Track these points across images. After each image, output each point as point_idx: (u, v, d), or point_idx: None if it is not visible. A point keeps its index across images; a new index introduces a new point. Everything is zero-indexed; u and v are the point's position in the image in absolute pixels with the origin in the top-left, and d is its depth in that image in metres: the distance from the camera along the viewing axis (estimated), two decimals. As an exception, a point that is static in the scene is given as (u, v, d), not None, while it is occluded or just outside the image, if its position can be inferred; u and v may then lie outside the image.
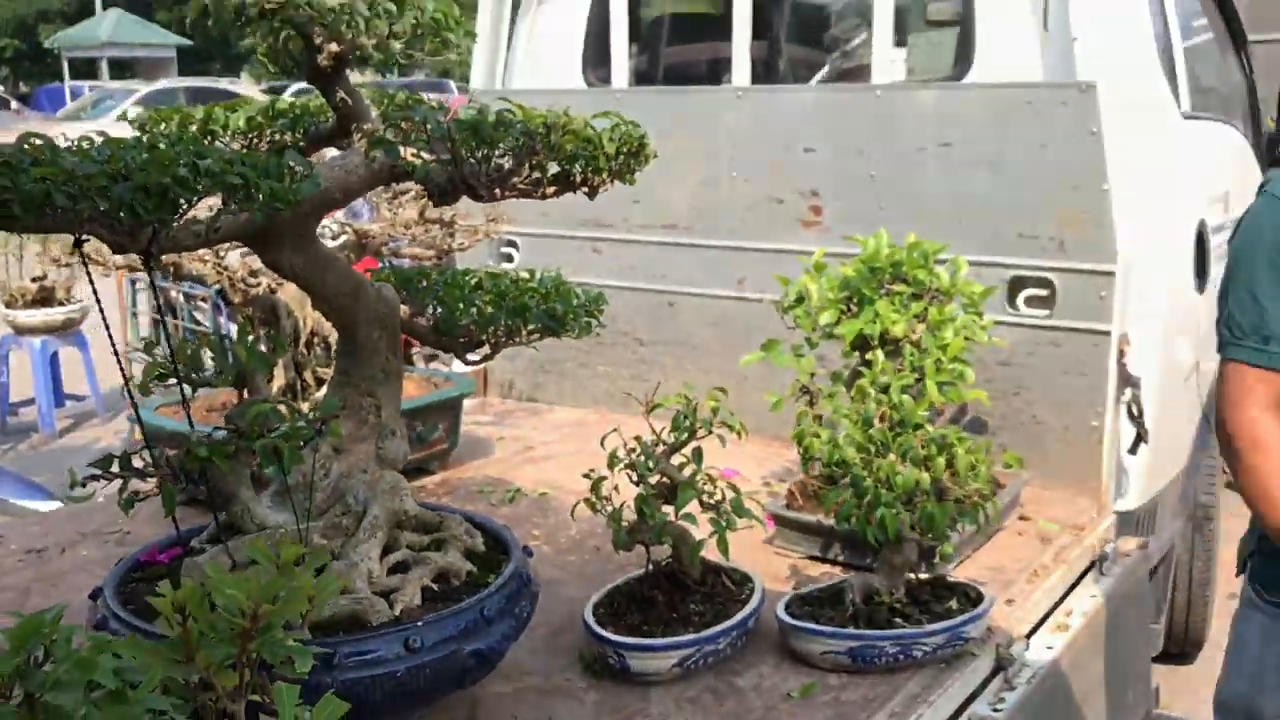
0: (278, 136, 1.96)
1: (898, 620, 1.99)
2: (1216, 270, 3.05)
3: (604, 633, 1.94)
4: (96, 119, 19.42)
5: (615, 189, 3.42)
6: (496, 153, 1.62)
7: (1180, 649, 3.70)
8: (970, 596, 2.11)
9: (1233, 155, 3.85)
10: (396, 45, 1.74)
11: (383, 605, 1.68)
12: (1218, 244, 3.25)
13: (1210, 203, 3.38)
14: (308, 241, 1.75)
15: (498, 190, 1.63)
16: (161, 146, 1.41)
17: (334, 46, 1.67)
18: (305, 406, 2.70)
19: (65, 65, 28.48)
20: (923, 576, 2.13)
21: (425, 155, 1.69)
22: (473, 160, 1.62)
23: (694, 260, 3.40)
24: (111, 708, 0.99)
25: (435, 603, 1.75)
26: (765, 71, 3.65)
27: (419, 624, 1.65)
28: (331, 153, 1.90)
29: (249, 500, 1.77)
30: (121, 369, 1.59)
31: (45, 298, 6.42)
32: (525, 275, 2.09)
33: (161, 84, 21.85)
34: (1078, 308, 2.82)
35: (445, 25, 1.77)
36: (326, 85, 1.77)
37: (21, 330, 6.40)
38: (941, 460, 2.00)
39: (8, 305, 6.32)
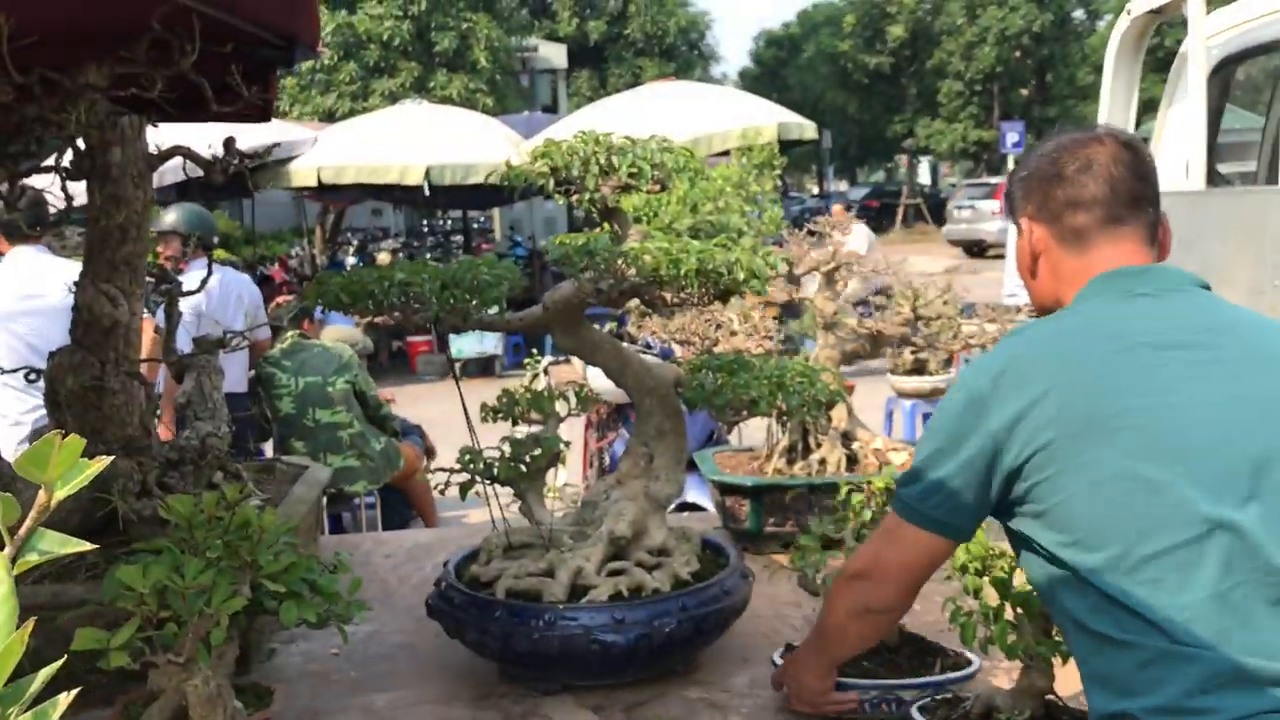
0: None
1: None
2: None
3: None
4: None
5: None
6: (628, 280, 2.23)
7: None
8: None
9: None
10: (651, 189, 2.44)
11: (557, 590, 2.35)
12: None
13: None
14: (575, 329, 2.51)
15: (623, 300, 2.23)
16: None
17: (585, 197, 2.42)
18: (798, 465, 3.39)
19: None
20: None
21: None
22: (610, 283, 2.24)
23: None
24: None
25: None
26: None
27: (559, 607, 2.30)
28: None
29: (533, 502, 2.58)
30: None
31: (919, 367, 7.55)
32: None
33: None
34: None
35: (682, 167, 2.40)
36: (607, 220, 2.51)
37: (903, 394, 7.65)
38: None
39: (891, 371, 7.59)
